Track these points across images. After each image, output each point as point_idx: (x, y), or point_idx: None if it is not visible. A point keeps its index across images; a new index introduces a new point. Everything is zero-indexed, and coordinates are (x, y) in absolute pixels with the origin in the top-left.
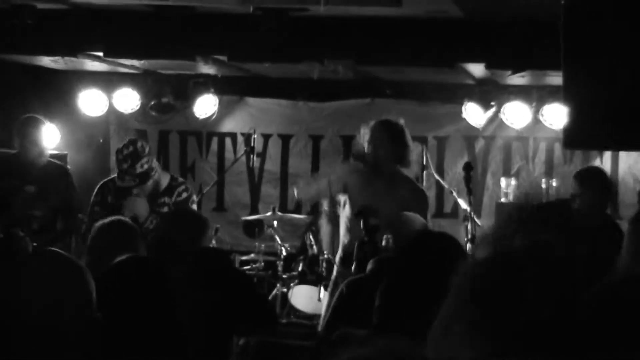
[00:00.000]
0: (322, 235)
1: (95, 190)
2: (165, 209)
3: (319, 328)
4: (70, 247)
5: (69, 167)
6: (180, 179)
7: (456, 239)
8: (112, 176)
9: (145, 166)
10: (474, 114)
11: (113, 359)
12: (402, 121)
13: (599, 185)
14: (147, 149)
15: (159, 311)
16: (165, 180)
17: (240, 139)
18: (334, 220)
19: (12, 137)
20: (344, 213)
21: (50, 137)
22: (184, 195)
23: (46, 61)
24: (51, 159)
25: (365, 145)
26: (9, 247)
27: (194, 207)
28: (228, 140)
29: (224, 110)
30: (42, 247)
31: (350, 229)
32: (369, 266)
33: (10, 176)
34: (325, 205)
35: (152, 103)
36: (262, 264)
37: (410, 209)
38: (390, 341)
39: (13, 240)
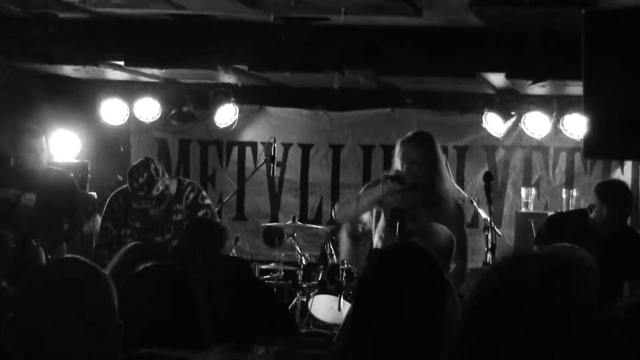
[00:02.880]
0: (342, 246)
1: (106, 203)
2: (180, 216)
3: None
4: (77, 247)
5: (71, 173)
6: (186, 180)
7: (428, 252)
8: (122, 187)
9: (161, 187)
10: (494, 123)
11: None
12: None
13: (619, 200)
14: (160, 170)
15: (181, 319)
16: (173, 189)
17: (260, 148)
18: (354, 234)
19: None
20: (379, 224)
21: (49, 145)
22: (192, 196)
23: (67, 70)
24: (51, 167)
25: (399, 162)
26: (22, 257)
27: (207, 201)
28: (248, 150)
29: (245, 119)
30: (54, 252)
31: (384, 240)
32: None
33: (10, 186)
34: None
35: (173, 112)
36: (282, 273)
37: (448, 224)
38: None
39: (26, 251)
